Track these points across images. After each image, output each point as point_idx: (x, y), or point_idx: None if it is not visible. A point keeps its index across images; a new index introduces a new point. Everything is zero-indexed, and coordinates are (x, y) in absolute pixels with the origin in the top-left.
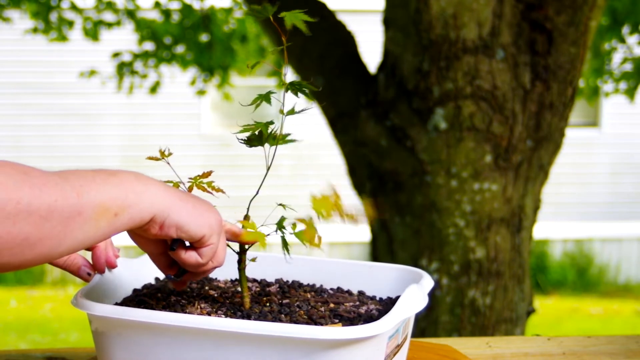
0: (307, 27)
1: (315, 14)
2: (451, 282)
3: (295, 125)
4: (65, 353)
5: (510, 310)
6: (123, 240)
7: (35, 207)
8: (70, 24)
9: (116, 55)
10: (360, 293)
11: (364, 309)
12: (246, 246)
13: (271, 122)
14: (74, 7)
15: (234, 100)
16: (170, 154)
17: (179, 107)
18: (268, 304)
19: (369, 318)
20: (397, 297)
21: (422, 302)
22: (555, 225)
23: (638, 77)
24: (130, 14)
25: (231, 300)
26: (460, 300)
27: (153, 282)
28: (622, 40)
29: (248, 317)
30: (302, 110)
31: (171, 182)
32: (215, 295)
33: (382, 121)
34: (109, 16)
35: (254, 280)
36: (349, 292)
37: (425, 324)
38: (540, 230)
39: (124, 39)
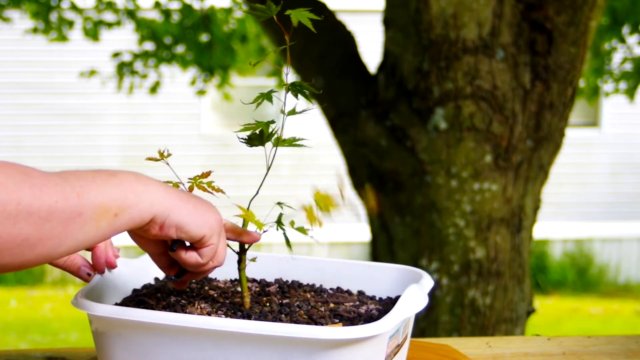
0: (310, 26)
1: (315, 13)
2: (451, 282)
3: (295, 125)
4: (65, 353)
5: (510, 310)
6: (123, 240)
7: (35, 208)
8: (70, 24)
9: (116, 55)
10: (360, 293)
11: (364, 309)
12: (246, 246)
13: (272, 122)
14: (74, 7)
15: (234, 100)
16: (169, 155)
17: (179, 107)
18: (268, 304)
19: (369, 318)
20: (397, 297)
21: (422, 302)
22: (555, 225)
23: (638, 77)
24: (130, 14)
25: (231, 300)
26: (460, 300)
27: (153, 282)
28: (622, 40)
29: (248, 317)
30: (303, 111)
31: (171, 182)
32: (215, 295)
33: (382, 121)
34: (109, 16)
35: (254, 280)
36: (348, 292)
37: (425, 324)
38: (540, 230)
39: (124, 39)
